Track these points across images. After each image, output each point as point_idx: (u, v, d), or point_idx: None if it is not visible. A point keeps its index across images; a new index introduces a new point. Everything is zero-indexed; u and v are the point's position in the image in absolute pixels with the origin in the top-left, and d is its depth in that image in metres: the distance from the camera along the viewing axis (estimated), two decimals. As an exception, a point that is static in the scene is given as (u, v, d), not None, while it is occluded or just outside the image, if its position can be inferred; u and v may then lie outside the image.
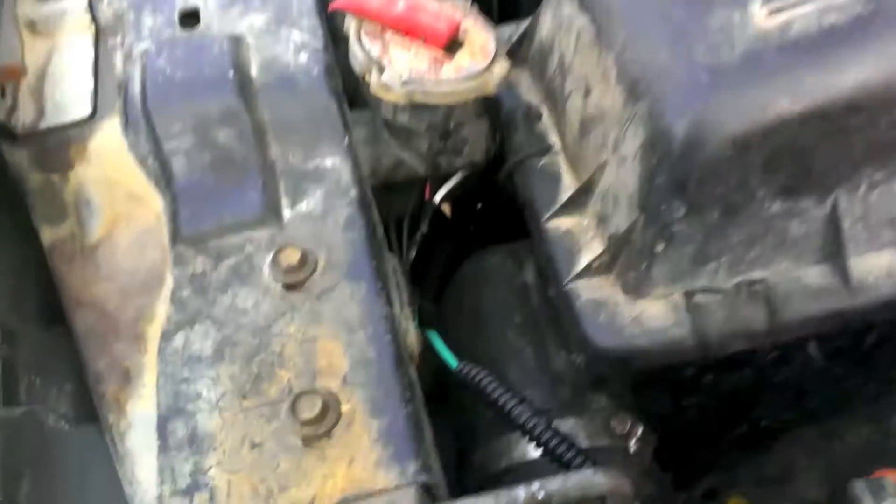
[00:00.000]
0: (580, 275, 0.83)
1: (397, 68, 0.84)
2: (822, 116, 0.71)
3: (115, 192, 0.82)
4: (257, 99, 0.83)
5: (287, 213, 0.79)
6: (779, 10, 0.75)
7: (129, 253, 0.79)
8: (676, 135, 0.73)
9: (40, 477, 0.64)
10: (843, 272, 0.77)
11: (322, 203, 0.80)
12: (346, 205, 0.79)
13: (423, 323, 0.83)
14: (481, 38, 0.88)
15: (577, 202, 0.87)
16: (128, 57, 0.86)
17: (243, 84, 0.83)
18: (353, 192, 0.80)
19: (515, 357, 0.88)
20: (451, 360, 0.78)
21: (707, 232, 0.77)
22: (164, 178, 0.81)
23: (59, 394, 0.73)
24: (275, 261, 0.75)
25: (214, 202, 0.80)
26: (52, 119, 0.84)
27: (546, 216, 0.88)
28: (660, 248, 0.78)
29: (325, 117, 0.84)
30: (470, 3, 0.92)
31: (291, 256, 0.75)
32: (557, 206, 0.88)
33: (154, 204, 0.81)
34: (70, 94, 0.86)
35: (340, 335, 0.68)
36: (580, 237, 0.86)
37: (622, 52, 0.81)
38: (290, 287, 0.73)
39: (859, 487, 0.57)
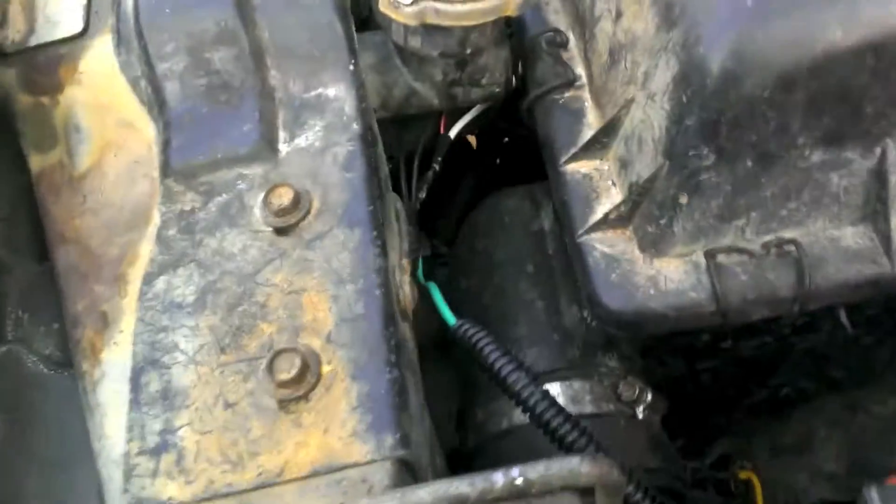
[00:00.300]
0: (595, 226, 0.76)
1: (408, -14, 0.76)
2: (879, 52, 0.63)
3: (106, 118, 0.77)
4: (256, 15, 0.76)
5: (284, 147, 0.74)
6: None
7: (118, 185, 0.74)
8: (711, 68, 0.65)
9: (15, 420, 0.62)
10: (884, 234, 0.70)
11: (322, 137, 0.74)
12: (348, 140, 0.74)
13: (426, 273, 0.78)
14: (504, -47, 0.79)
15: (599, 143, 0.80)
16: (123, -32, 0.80)
17: (241, -1, 0.76)
18: (356, 127, 0.74)
19: (525, 310, 0.83)
20: (450, 316, 0.73)
21: (737, 184, 0.70)
22: (156, 103, 0.76)
23: (47, 332, 0.71)
24: (266, 201, 0.70)
25: (208, 133, 0.74)
26: (42, 35, 0.79)
27: (564, 158, 0.81)
28: (683, 200, 0.71)
29: (330, 39, 0.77)
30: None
31: (284, 196, 0.70)
32: (578, 147, 0.81)
33: (146, 131, 0.76)
34: (62, 9, 0.80)
35: (328, 287, 0.64)
36: (599, 184, 0.79)
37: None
38: (280, 231, 0.69)
39: (870, 494, 0.52)
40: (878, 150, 0.68)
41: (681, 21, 0.68)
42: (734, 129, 0.66)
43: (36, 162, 0.77)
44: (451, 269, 0.94)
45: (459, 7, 0.76)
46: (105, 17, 0.80)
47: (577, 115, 0.84)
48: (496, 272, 0.89)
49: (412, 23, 0.77)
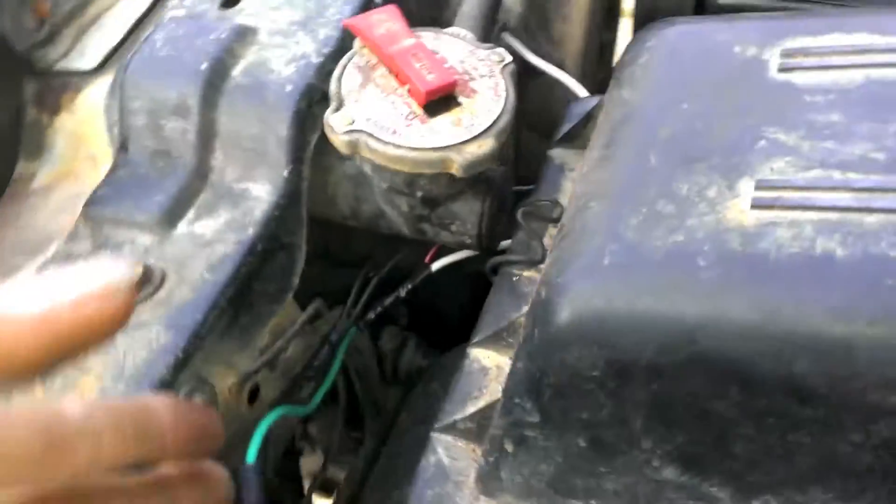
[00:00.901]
0: (448, 428, 0.64)
1: (355, 110, 0.70)
2: (750, 386, 0.46)
3: (79, 149, 0.81)
4: (219, 98, 0.75)
5: (183, 227, 0.72)
6: (768, 207, 0.49)
7: (51, 211, 0.78)
8: (546, 316, 0.52)
9: None
10: None
11: (216, 230, 0.71)
12: (232, 242, 0.70)
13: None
14: (482, 107, 0.70)
15: (506, 339, 0.68)
16: (159, 23, 0.84)
17: (213, 80, 0.75)
18: (251, 232, 0.71)
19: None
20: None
21: (570, 460, 0.54)
22: (117, 151, 0.79)
23: None
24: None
25: (130, 191, 0.75)
26: (69, 62, 0.85)
27: (477, 338, 0.70)
28: (509, 447, 0.57)
29: (276, 139, 0.74)
30: (508, 61, 0.74)
31: (135, 272, 0.68)
32: (490, 332, 0.69)
33: (103, 170, 0.79)
34: (95, 44, 0.86)
35: (104, 379, 0.61)
36: (489, 384, 0.67)
37: (586, 174, 0.60)
38: (116, 306, 0.67)
39: None
40: (757, 502, 0.49)
41: (555, 248, 0.55)
42: (558, 398, 0.52)
43: (18, 169, 0.83)
44: (405, 399, 0.86)
45: (392, 150, 0.68)
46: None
47: (522, 299, 0.72)
48: (421, 428, 0.78)
49: (346, 151, 0.71)
